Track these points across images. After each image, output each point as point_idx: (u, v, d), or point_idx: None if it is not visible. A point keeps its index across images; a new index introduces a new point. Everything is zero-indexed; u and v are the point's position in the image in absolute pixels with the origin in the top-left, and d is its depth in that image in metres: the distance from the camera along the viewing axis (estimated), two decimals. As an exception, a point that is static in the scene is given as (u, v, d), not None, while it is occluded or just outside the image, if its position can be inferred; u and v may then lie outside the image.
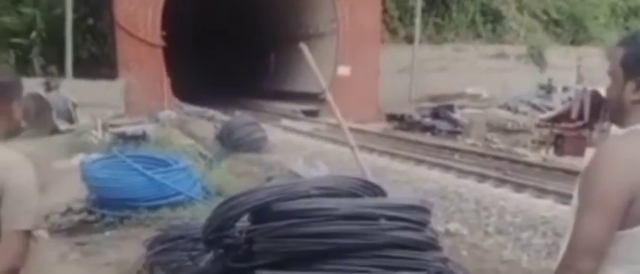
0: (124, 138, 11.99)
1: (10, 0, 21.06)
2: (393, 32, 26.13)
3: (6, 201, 2.33)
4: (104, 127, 13.82)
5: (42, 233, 2.53)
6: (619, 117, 2.08)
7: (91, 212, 7.87)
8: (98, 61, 20.90)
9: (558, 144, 16.10)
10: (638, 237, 1.92)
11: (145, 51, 20.72)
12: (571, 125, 15.96)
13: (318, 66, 9.41)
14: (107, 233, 7.31)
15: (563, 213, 9.07)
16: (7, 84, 2.52)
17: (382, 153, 15.07)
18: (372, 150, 14.74)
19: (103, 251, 6.78)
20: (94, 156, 10.24)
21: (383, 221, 4.16)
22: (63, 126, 15.45)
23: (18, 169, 2.37)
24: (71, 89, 17.24)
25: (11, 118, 2.51)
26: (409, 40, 25.19)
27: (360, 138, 13.22)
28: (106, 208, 7.84)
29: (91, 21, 21.46)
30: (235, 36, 29.43)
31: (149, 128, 13.09)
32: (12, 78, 2.60)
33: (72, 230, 7.44)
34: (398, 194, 8.09)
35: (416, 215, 4.29)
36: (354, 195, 4.45)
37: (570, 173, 12.26)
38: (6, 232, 2.33)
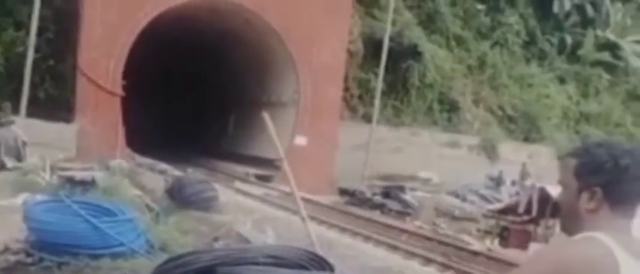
0: (72, 182, 11.76)
1: (-29, 33, 20.92)
2: (353, 110, 26.53)
3: None
4: (53, 169, 13.54)
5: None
6: (572, 225, 2.08)
7: (29, 255, 7.63)
8: (55, 102, 20.66)
9: (504, 235, 16.34)
10: None
11: (104, 98, 20.63)
12: (517, 218, 16.24)
13: (276, 133, 9.48)
14: (43, 278, 7.09)
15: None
16: None
17: (331, 226, 15.07)
18: (321, 222, 14.74)
19: (36, 296, 6.56)
20: (39, 197, 10.00)
21: (329, 296, 4.15)
22: (10, 163, 15.09)
23: None
24: (24, 127, 16.93)
25: None
26: (367, 119, 25.57)
27: (310, 208, 13.21)
28: (45, 251, 7.61)
29: (52, 62, 21.31)
30: (197, 94, 29.49)
31: (98, 175, 12.85)
32: None
33: (7, 271, 7.20)
34: (345, 269, 8.08)
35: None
36: (302, 267, 4.44)
37: (513, 265, 12.39)
38: None
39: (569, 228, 2.09)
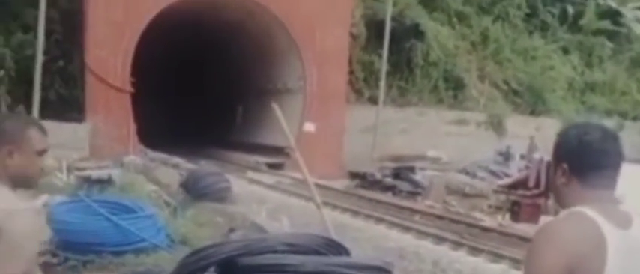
0: (89, 181, 12.01)
1: (-20, 38, 21.13)
2: (359, 93, 26.68)
3: (1, 245, 2.41)
4: (69, 169, 13.80)
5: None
6: (557, 199, 2.34)
7: (54, 255, 7.90)
8: (66, 103, 20.94)
9: (514, 210, 16.50)
10: None
11: (114, 96, 20.90)
12: (527, 192, 16.39)
13: (285, 121, 9.73)
14: (70, 276, 7.37)
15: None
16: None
17: (344, 210, 15.33)
18: (334, 207, 14.99)
19: (65, 294, 6.83)
20: (59, 198, 10.27)
21: (347, 280, 4.39)
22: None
23: (17, 215, 2.47)
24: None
25: (4, 165, 2.57)
26: (374, 101, 25.73)
27: (322, 194, 13.41)
28: (69, 251, 7.89)
29: (61, 63, 21.55)
30: (204, 86, 29.73)
31: (115, 173, 13.11)
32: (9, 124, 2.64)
33: (36, 272, 7.47)
34: (359, 252, 8.33)
35: (378, 275, 4.53)
36: (318, 252, 4.66)
37: (525, 239, 12.62)
38: None
39: (557, 200, 2.35)
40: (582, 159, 2.23)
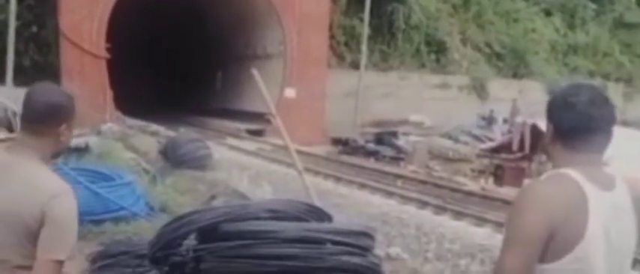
0: (66, 149, 11.76)
1: (-49, 6, 20.58)
2: (340, 57, 26.42)
3: (46, 228, 2.32)
4: (45, 138, 13.48)
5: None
6: (548, 157, 2.32)
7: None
8: (40, 69, 20.48)
9: (498, 174, 16.50)
10: (558, 271, 2.08)
11: (89, 62, 20.51)
12: (511, 156, 16.39)
13: (265, 86, 9.49)
14: (47, 247, 7.16)
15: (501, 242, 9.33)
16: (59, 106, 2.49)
17: (327, 176, 15.21)
18: (317, 173, 14.87)
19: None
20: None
21: (329, 246, 4.25)
22: (2, 134, 15.04)
23: (63, 198, 2.37)
24: (11, 97, 16.80)
25: (59, 141, 2.49)
26: (355, 65, 25.50)
27: (304, 160, 13.29)
28: (46, 220, 7.68)
29: (34, 29, 21.09)
30: (182, 53, 29.32)
31: (92, 140, 12.85)
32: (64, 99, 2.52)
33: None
34: (342, 218, 8.20)
35: (360, 241, 4.38)
36: (300, 219, 4.52)
37: (509, 203, 12.57)
38: (41, 260, 2.32)
39: (549, 159, 2.32)
40: (566, 122, 2.20)
